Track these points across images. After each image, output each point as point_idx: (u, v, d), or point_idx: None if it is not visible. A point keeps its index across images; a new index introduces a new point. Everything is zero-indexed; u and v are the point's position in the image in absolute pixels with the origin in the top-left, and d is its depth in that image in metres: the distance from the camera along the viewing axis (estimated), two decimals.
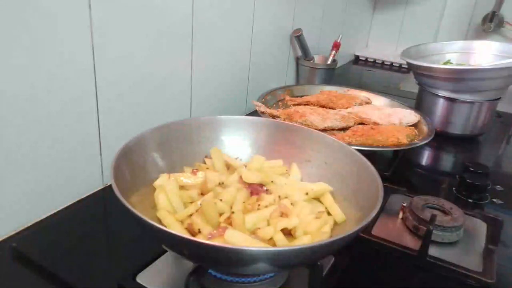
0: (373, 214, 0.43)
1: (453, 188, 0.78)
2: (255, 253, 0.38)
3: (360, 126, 0.90)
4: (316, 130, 0.63)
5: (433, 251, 0.58)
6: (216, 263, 0.44)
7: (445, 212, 0.65)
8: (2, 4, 0.48)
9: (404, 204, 0.67)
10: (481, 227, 0.66)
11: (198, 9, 0.79)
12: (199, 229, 0.47)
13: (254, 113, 0.95)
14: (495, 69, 0.97)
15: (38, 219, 0.60)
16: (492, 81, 0.96)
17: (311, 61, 1.26)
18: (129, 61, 0.68)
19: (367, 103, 1.07)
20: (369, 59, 1.81)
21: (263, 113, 0.90)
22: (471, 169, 0.79)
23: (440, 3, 1.70)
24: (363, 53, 1.83)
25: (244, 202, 0.51)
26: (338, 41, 1.31)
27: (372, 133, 0.84)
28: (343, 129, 0.90)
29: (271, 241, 0.46)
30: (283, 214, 0.49)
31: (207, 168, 0.58)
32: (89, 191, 0.67)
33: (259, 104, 0.93)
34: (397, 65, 1.75)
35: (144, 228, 0.41)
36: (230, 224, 0.47)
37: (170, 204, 0.50)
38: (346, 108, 1.00)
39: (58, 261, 0.53)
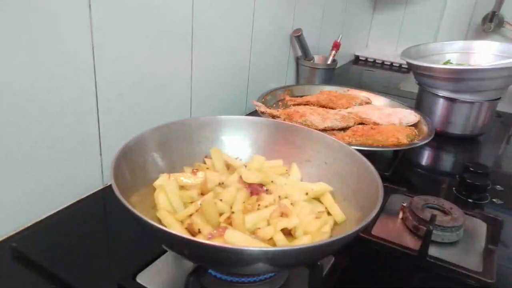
0: (373, 214, 0.43)
1: (453, 188, 0.78)
2: (255, 253, 0.38)
3: (360, 126, 0.90)
4: (316, 130, 0.63)
5: (433, 251, 0.58)
6: (216, 263, 0.44)
7: (445, 212, 0.65)
8: (2, 4, 0.48)
9: (404, 204, 0.67)
10: (481, 227, 0.66)
11: (198, 9, 0.79)
12: (199, 229, 0.47)
13: (254, 113, 0.95)
14: (495, 69, 0.97)
15: (38, 219, 0.60)
16: (492, 81, 0.96)
17: (311, 61, 1.26)
18: (129, 61, 0.68)
19: (367, 103, 1.07)
20: (369, 59, 1.81)
21: (263, 113, 0.90)
22: (471, 169, 0.79)
23: (440, 3, 1.70)
24: (363, 53, 1.83)
25: (244, 202, 0.51)
26: (338, 41, 1.31)
27: (372, 133, 0.84)
28: (343, 129, 0.90)
29: (271, 241, 0.46)
30: (283, 214, 0.49)
31: (207, 168, 0.58)
32: (89, 191, 0.67)
33: (259, 104, 0.93)
34: (397, 65, 1.75)
35: (144, 228, 0.41)
36: (230, 224, 0.47)
37: (170, 204, 0.50)
38: (346, 108, 1.00)
39: (58, 261, 0.53)
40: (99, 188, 0.68)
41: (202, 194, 0.53)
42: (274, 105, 1.01)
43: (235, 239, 0.43)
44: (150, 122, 0.72)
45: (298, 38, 1.18)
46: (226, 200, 0.50)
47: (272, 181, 0.55)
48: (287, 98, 1.06)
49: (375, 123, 0.92)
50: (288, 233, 0.48)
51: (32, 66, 0.53)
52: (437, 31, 1.74)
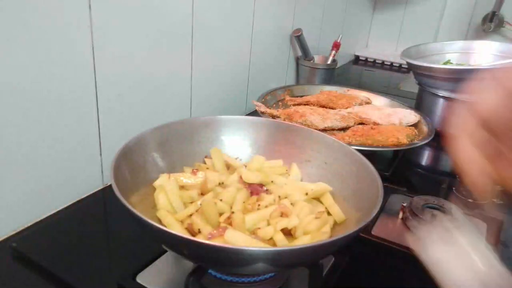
0: (373, 214, 0.43)
1: (453, 188, 0.78)
2: (255, 253, 0.38)
3: (360, 126, 0.90)
4: (316, 130, 0.63)
5: None
6: (216, 263, 0.44)
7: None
8: (2, 4, 0.48)
9: (404, 204, 0.67)
10: (481, 227, 0.66)
11: (198, 9, 0.79)
12: (199, 229, 0.47)
13: (254, 113, 0.95)
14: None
15: (38, 219, 0.60)
16: None
17: (311, 61, 1.26)
18: (129, 61, 0.68)
19: (367, 103, 1.07)
20: (369, 59, 1.81)
21: (263, 113, 0.90)
22: None
23: (440, 3, 1.70)
24: (363, 53, 1.83)
25: (244, 202, 0.51)
26: (338, 41, 1.31)
27: (372, 133, 0.84)
28: (343, 129, 0.90)
29: (271, 241, 0.46)
30: (283, 214, 0.49)
31: (207, 168, 0.58)
32: (89, 191, 0.67)
33: (259, 104, 0.93)
34: (397, 65, 1.75)
35: (144, 228, 0.41)
36: (230, 224, 0.47)
37: (170, 204, 0.50)
38: (346, 108, 1.00)
39: (58, 261, 0.53)
40: (99, 188, 0.68)
41: (202, 194, 0.53)
42: (274, 105, 1.01)
43: (235, 239, 0.43)
44: (150, 122, 0.72)
45: (298, 38, 1.18)
46: (226, 200, 0.50)
47: (272, 181, 0.55)
48: (287, 98, 1.06)
49: (375, 123, 0.92)
50: (288, 233, 0.48)
51: (32, 66, 0.53)
52: (437, 31, 1.74)
